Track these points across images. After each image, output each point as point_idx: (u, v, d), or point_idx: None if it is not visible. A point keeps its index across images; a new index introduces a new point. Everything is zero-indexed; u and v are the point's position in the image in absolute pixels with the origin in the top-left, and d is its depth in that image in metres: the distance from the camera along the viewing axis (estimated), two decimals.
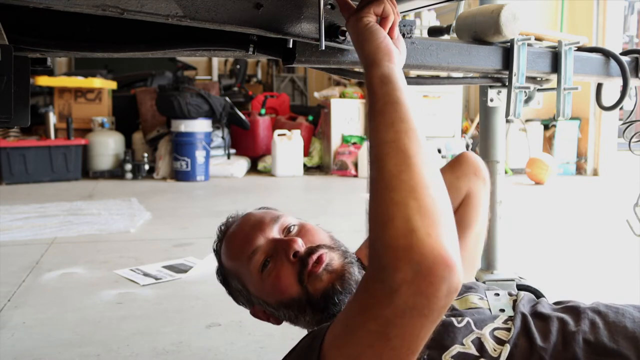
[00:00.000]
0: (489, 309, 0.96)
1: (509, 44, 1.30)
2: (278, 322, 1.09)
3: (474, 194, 1.21)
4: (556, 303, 0.98)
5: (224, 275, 1.11)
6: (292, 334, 1.66)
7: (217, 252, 1.13)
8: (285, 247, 1.00)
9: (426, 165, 0.71)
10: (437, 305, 0.65)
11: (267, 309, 1.06)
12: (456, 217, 1.14)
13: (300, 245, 1.00)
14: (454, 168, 1.22)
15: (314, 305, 0.99)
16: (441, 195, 0.70)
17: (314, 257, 0.98)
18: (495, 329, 0.89)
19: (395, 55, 0.83)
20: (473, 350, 0.85)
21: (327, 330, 0.80)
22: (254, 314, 1.11)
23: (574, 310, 0.91)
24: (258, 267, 1.02)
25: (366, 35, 0.84)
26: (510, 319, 0.92)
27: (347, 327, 0.74)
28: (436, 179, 0.71)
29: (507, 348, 0.84)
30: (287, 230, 1.06)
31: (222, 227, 1.14)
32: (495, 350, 0.85)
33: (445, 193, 0.71)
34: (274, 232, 1.05)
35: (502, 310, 0.95)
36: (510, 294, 1.01)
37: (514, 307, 0.95)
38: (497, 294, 1.01)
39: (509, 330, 0.88)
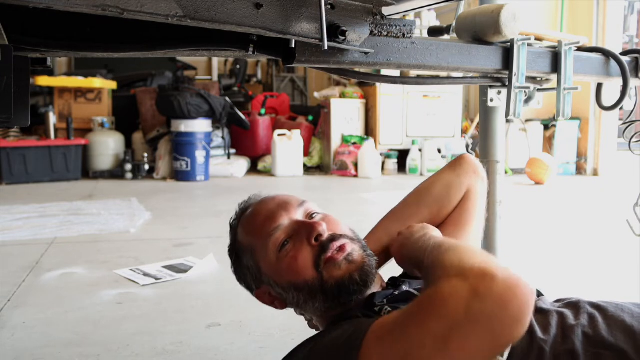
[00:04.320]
0: None
1: (509, 44, 1.31)
2: (282, 305, 1.07)
3: (474, 190, 1.24)
4: (557, 300, 0.99)
5: (237, 250, 1.10)
6: (292, 334, 1.66)
7: (233, 228, 1.11)
8: (308, 229, 1.00)
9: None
10: (508, 323, 0.67)
11: (276, 290, 1.04)
12: (458, 212, 1.21)
13: (324, 229, 1.00)
14: (455, 167, 1.26)
15: (326, 292, 0.99)
16: None
17: (336, 244, 0.99)
18: None
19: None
20: None
21: (368, 327, 0.80)
22: (259, 295, 1.09)
23: (574, 306, 0.92)
24: (277, 245, 1.01)
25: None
26: None
27: (404, 324, 0.74)
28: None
29: None
30: (310, 216, 1.06)
31: (242, 204, 1.13)
32: None
33: None
34: (299, 215, 1.05)
35: None
36: None
37: None
38: None
39: None
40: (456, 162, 1.27)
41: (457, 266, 0.74)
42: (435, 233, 1.03)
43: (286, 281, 1.01)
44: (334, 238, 1.00)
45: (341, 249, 0.99)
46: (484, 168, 1.28)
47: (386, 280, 1.12)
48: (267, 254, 1.02)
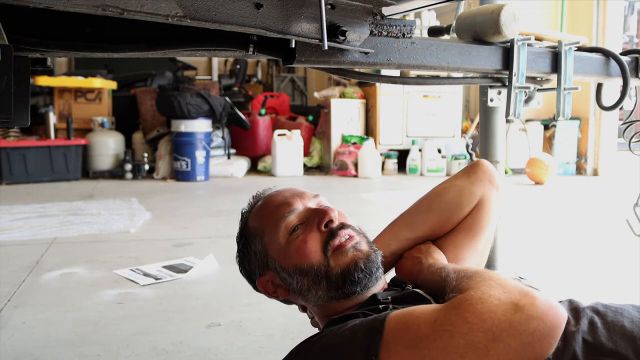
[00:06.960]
0: None
1: (509, 44, 1.31)
2: (285, 294, 1.07)
3: (487, 199, 1.20)
4: None
5: (246, 235, 1.11)
6: (292, 334, 1.66)
7: (244, 217, 1.14)
8: (320, 215, 1.03)
9: None
10: (546, 340, 0.75)
11: (280, 275, 1.05)
12: (469, 221, 1.19)
13: (335, 216, 1.04)
14: (469, 174, 1.22)
15: (331, 280, 1.00)
16: None
17: (345, 232, 1.03)
18: None
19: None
20: None
21: (384, 322, 0.82)
22: (261, 284, 1.09)
23: (574, 310, 0.91)
24: (289, 228, 1.04)
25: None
26: None
27: (442, 330, 0.77)
28: None
29: None
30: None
31: (256, 195, 1.16)
32: None
33: None
34: (312, 204, 1.09)
35: None
36: None
37: None
38: None
39: None
40: (471, 169, 1.22)
41: (497, 283, 0.79)
42: (442, 258, 1.10)
43: (293, 264, 1.03)
44: (343, 226, 1.04)
45: (350, 237, 1.02)
46: (499, 175, 1.23)
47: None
48: (277, 237, 1.04)
